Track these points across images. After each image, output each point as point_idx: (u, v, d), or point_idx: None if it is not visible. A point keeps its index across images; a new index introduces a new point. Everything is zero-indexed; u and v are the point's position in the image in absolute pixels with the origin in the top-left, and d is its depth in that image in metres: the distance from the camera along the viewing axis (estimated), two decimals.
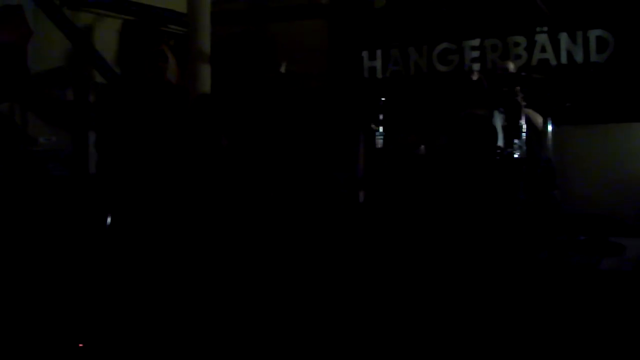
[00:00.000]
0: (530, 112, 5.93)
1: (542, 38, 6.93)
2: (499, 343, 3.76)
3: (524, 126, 5.67)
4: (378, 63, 7.90)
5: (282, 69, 7.37)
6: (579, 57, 6.76)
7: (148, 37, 7.49)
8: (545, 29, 6.91)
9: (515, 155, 5.70)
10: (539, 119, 6.02)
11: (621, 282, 4.42)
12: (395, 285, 4.53)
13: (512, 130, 5.72)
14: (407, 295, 4.37)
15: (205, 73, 6.52)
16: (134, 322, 3.97)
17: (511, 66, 6.42)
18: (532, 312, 4.08)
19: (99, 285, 4.51)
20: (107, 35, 7.16)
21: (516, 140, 5.73)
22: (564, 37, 6.83)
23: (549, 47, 6.90)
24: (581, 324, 3.87)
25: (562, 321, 3.93)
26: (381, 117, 6.43)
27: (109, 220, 5.70)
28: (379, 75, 7.89)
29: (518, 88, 5.96)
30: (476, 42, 7.32)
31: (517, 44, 7.07)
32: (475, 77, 6.35)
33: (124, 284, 4.56)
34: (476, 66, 6.88)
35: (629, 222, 6.03)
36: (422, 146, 6.34)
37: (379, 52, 7.89)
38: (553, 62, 6.88)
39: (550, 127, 5.86)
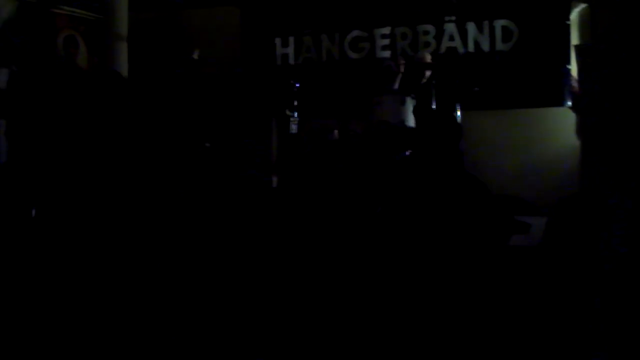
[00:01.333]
0: None
1: (450, 27, 7.16)
2: (414, 317, 3.93)
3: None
4: (291, 50, 7.97)
5: (195, 56, 7.39)
6: (485, 46, 7.03)
7: (46, 20, 7.40)
8: (454, 18, 7.14)
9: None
10: None
11: (528, 256, 4.67)
12: (305, 269, 4.61)
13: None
14: (316, 280, 4.47)
15: (123, 57, 6.49)
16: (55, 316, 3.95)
17: (428, 57, 6.63)
18: (446, 285, 4.27)
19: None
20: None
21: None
22: (471, 27, 7.08)
23: (457, 36, 7.14)
24: (492, 294, 4.09)
25: (474, 292, 4.14)
26: (296, 102, 6.52)
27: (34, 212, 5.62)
28: (292, 61, 7.97)
29: (428, 74, 6.20)
30: (387, 30, 7.49)
31: (426, 33, 7.28)
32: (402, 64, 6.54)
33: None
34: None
35: (533, 202, 6.32)
36: (336, 131, 6.48)
37: (291, 39, 7.96)
38: (461, 50, 7.12)
39: (459, 112, 6.08)
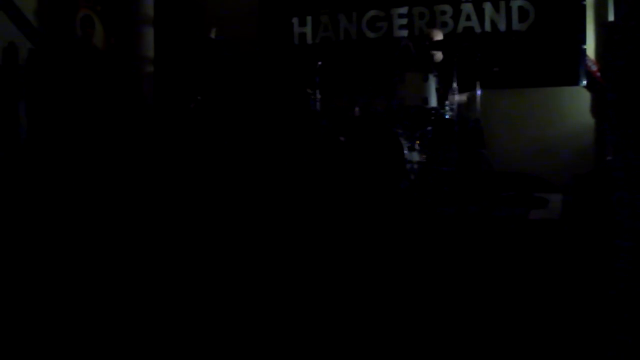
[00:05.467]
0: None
1: (467, 7, 7.29)
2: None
3: (456, 89, 6.01)
4: (308, 29, 8.09)
5: (212, 35, 7.49)
6: (502, 26, 7.15)
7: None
8: None
9: (447, 116, 6.06)
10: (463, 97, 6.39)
11: (549, 229, 4.83)
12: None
13: (444, 93, 6.07)
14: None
15: (149, 36, 6.60)
16: None
17: (439, 35, 6.76)
18: (468, 259, 4.43)
19: None
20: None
21: (447, 102, 6.09)
22: (488, 7, 7.20)
23: (473, 16, 7.27)
24: (515, 265, 4.25)
25: (498, 264, 4.30)
26: (318, 80, 6.64)
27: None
28: (309, 41, 8.09)
29: (448, 53, 6.35)
30: (404, 10, 7.61)
31: (443, 12, 7.41)
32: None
33: None
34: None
35: (549, 179, 6.48)
36: (357, 108, 6.61)
37: (309, 19, 8.08)
38: (477, 29, 7.25)
39: (478, 91, 6.22)
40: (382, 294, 4.07)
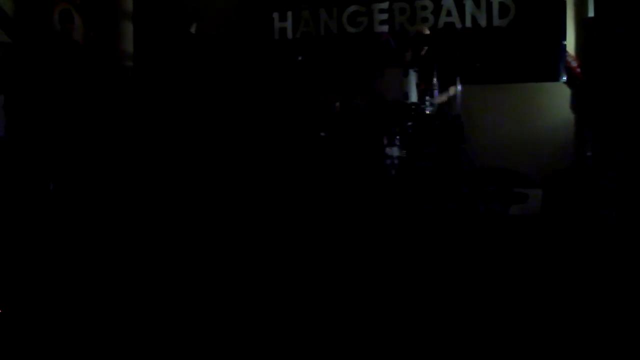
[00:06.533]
0: None
1: (448, 3, 7.28)
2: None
3: (436, 85, 6.01)
4: (289, 24, 8.05)
5: (192, 29, 7.44)
6: (482, 22, 7.16)
7: None
8: None
9: (427, 112, 6.05)
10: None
11: (528, 224, 4.84)
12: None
13: (425, 88, 6.06)
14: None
15: (129, 32, 6.55)
16: None
17: (425, 30, 6.75)
18: (449, 254, 4.43)
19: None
20: None
21: (428, 98, 6.08)
22: (468, 3, 7.20)
23: (454, 12, 7.26)
24: (497, 260, 4.26)
25: (481, 259, 4.30)
26: (298, 75, 6.62)
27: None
28: (290, 36, 8.05)
29: (429, 49, 6.34)
30: (385, 5, 7.59)
31: (424, 8, 7.39)
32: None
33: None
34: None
35: (529, 174, 6.48)
36: (337, 104, 6.59)
37: (289, 14, 8.03)
38: (458, 25, 7.25)
39: (459, 87, 6.22)
40: (362, 288, 4.05)
